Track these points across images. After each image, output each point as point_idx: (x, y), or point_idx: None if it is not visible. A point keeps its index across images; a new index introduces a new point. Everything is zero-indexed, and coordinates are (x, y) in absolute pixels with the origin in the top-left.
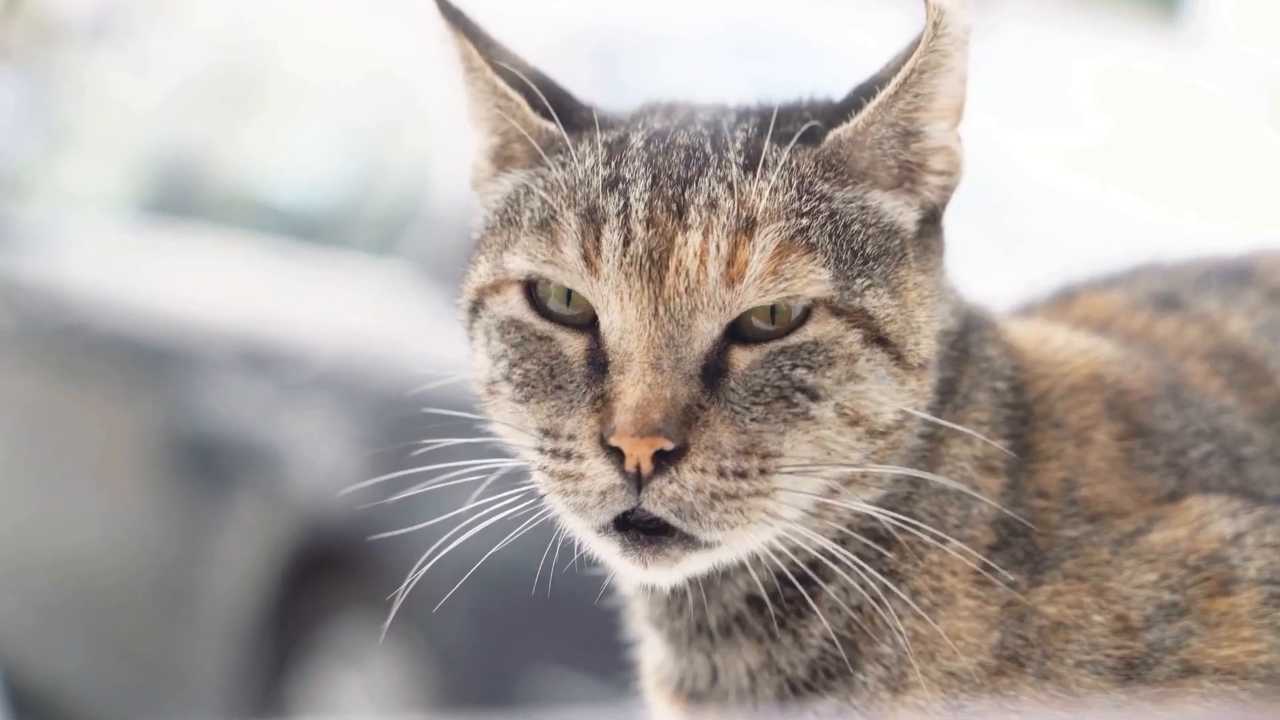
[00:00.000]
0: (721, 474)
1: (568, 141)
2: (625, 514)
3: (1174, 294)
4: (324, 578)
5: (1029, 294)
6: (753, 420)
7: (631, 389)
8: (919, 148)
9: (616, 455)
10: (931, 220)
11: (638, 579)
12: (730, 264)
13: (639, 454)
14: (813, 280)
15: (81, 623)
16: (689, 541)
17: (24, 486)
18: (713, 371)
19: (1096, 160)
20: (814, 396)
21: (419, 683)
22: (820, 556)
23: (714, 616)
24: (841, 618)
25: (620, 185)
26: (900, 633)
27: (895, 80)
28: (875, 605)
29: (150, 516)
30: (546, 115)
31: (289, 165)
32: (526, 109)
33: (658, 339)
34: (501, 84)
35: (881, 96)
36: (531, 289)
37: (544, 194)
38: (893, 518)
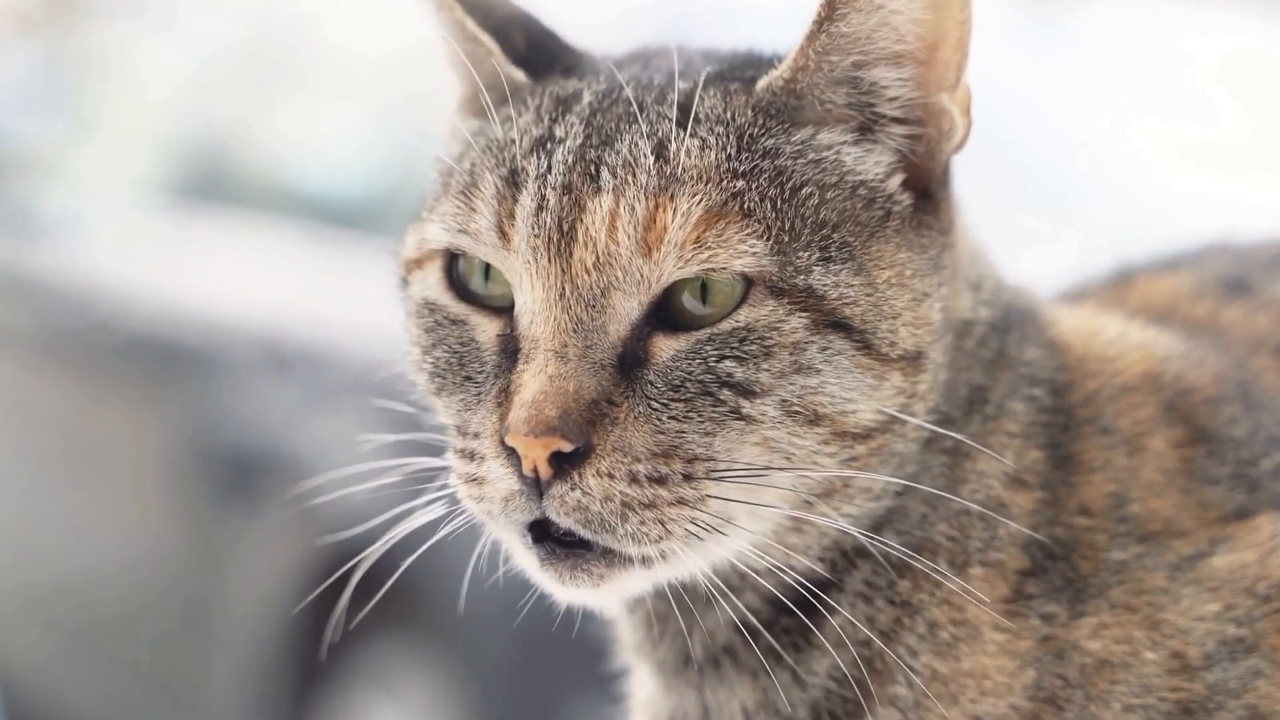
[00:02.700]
0: (633, 480)
1: (527, 93)
2: (545, 524)
3: (1242, 277)
4: (354, 596)
5: (1081, 276)
6: (671, 419)
7: (531, 381)
8: (867, 96)
9: (515, 457)
10: (927, 191)
11: (561, 597)
12: (648, 228)
13: (534, 455)
14: (742, 252)
15: (95, 640)
16: (611, 556)
17: (40, 496)
18: (630, 361)
19: (1225, 154)
20: (745, 392)
21: (454, 710)
22: (817, 582)
23: (700, 646)
24: (848, 653)
25: (548, 145)
26: (916, 671)
27: (810, 19)
28: (886, 639)
29: (171, 528)
30: (520, 62)
31: (324, 146)
32: (498, 54)
33: (564, 323)
34: (471, 24)
35: (801, 38)
36: (452, 267)
37: (479, 154)
38: (873, 540)
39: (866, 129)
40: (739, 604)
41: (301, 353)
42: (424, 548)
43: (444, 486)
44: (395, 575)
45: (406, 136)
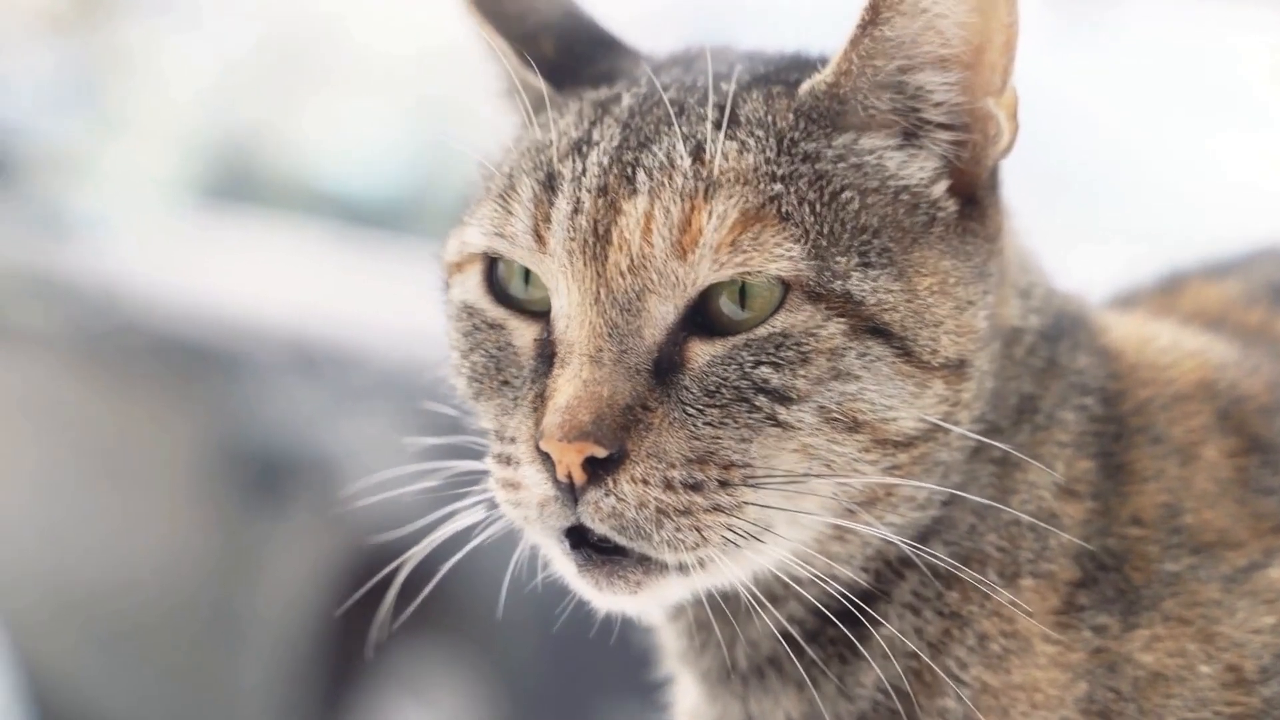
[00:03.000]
0: (668, 486)
1: (549, 100)
2: (583, 530)
3: None
4: (380, 594)
5: (1132, 280)
6: (707, 425)
7: (565, 386)
8: (912, 101)
9: (550, 462)
10: (973, 197)
11: (599, 604)
12: (683, 231)
13: (567, 461)
14: (778, 255)
15: (126, 643)
16: (648, 563)
17: (68, 498)
18: (666, 367)
19: (1272, 153)
20: (781, 399)
21: (486, 714)
22: (863, 592)
23: (743, 656)
24: (895, 665)
25: (584, 148)
26: (965, 684)
27: (854, 23)
28: (934, 651)
29: (199, 531)
30: (551, 70)
31: (351, 145)
32: (513, 62)
33: (599, 327)
34: (486, 32)
35: (845, 41)
36: (492, 270)
37: (517, 158)
38: (919, 550)
39: (911, 134)
40: (780, 615)
41: (329, 354)
42: (464, 551)
43: (482, 490)
44: (435, 579)
45: (434, 135)
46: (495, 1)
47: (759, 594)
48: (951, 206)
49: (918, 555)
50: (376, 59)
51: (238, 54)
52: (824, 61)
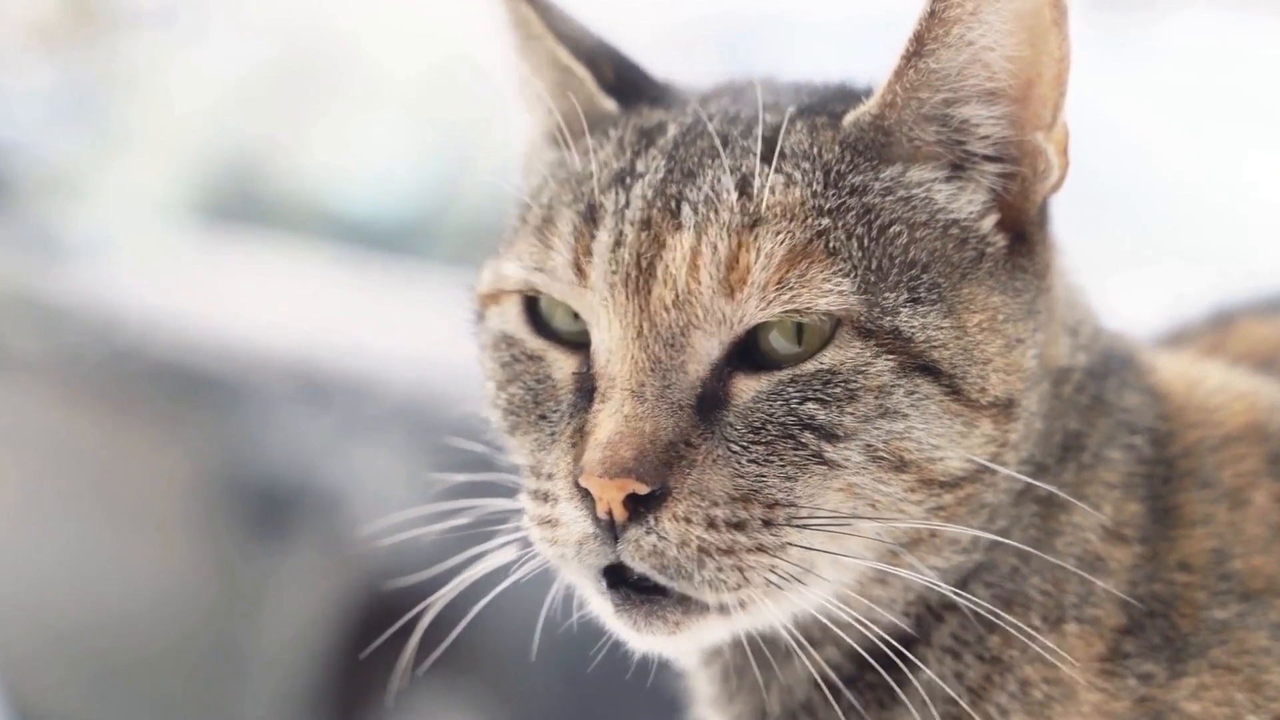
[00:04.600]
0: (711, 525)
1: (610, 124)
2: (620, 569)
3: None
4: (396, 640)
5: (1180, 315)
6: (751, 462)
7: (607, 421)
8: (958, 135)
9: (589, 499)
10: (1023, 233)
11: (636, 644)
12: (730, 268)
13: (608, 498)
14: (826, 291)
15: (121, 679)
16: (688, 604)
17: (62, 529)
18: (710, 403)
19: None
20: (829, 436)
21: None
22: (901, 637)
23: (776, 702)
24: (934, 711)
25: (628, 179)
26: None
27: (899, 54)
28: (974, 697)
29: (199, 565)
30: (610, 92)
31: (362, 166)
32: (591, 84)
33: (642, 362)
34: (564, 54)
35: (889, 73)
36: (534, 302)
37: (556, 189)
38: (963, 598)
39: (958, 167)
40: (819, 658)
41: (337, 382)
42: (496, 591)
43: (514, 528)
44: (464, 621)
45: (447, 156)
46: (560, 22)
47: (798, 637)
48: (1000, 242)
49: (959, 599)
50: (388, 77)
51: (244, 70)
52: (869, 93)
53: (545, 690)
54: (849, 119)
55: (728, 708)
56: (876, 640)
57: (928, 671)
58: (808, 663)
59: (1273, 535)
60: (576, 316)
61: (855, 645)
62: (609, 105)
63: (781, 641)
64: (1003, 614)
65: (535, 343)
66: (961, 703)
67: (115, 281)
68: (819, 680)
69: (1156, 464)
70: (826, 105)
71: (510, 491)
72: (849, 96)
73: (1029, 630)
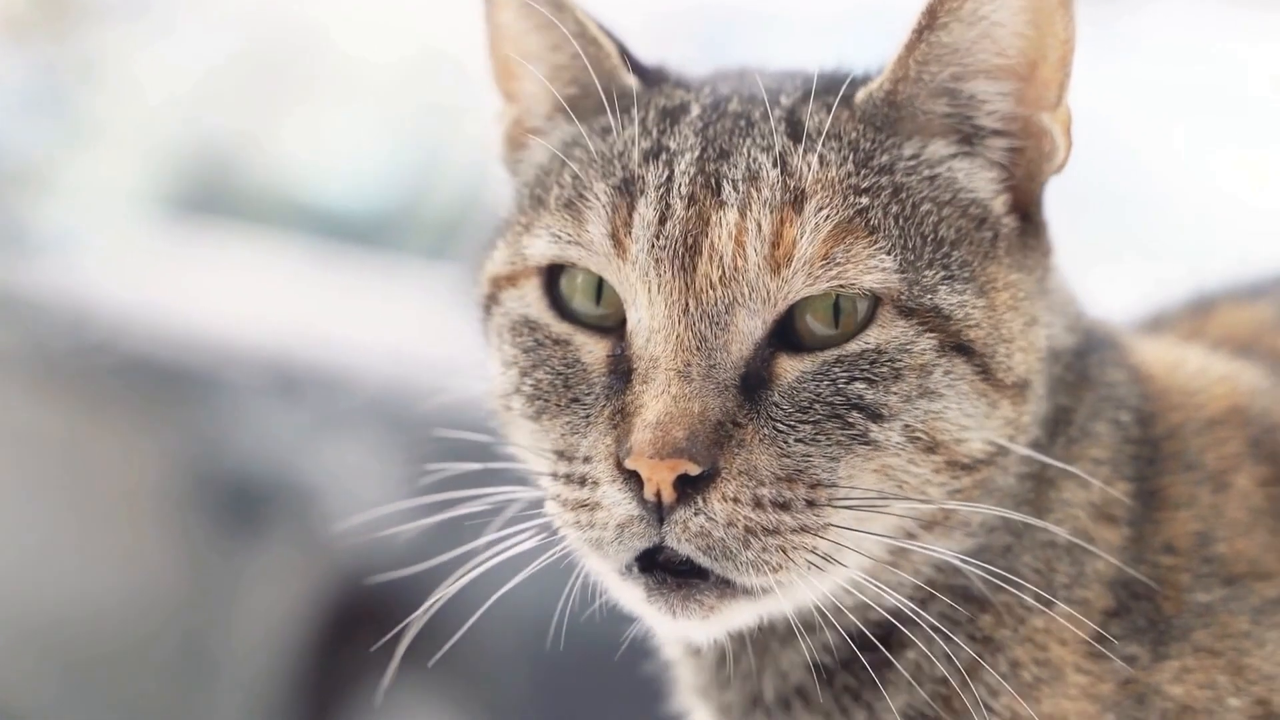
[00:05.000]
0: (758, 505)
1: (629, 103)
2: (651, 553)
3: None
4: (366, 632)
5: (1158, 303)
6: (798, 442)
7: (654, 401)
8: (965, 109)
9: (634, 481)
10: (1028, 214)
11: (668, 630)
12: (775, 245)
13: (659, 479)
14: (871, 268)
15: (92, 676)
16: (725, 587)
17: (33, 525)
18: (753, 382)
19: None
20: (875, 416)
21: None
22: (894, 618)
23: (770, 688)
24: (923, 693)
25: (664, 155)
26: (995, 712)
27: (910, 29)
28: (965, 677)
29: (171, 560)
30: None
31: (334, 158)
32: (616, 58)
33: (688, 341)
34: (593, 27)
35: (899, 47)
36: (553, 284)
37: (578, 167)
38: (985, 570)
39: (967, 140)
40: (817, 641)
41: (309, 375)
42: (511, 584)
43: (529, 517)
44: (471, 620)
45: (420, 147)
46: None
47: (807, 619)
48: (1011, 223)
49: (969, 568)
50: (359, 68)
51: (215, 62)
52: (867, 77)
53: (523, 684)
54: (861, 95)
55: (719, 695)
56: (878, 622)
57: (918, 648)
58: (805, 648)
59: (1254, 519)
60: (598, 301)
61: (858, 626)
62: (630, 81)
63: (781, 626)
64: (1009, 577)
65: (560, 326)
66: (951, 682)
67: (85, 275)
68: (812, 664)
69: (1142, 444)
70: (830, 87)
71: (496, 482)
72: (846, 79)
73: (1030, 602)
